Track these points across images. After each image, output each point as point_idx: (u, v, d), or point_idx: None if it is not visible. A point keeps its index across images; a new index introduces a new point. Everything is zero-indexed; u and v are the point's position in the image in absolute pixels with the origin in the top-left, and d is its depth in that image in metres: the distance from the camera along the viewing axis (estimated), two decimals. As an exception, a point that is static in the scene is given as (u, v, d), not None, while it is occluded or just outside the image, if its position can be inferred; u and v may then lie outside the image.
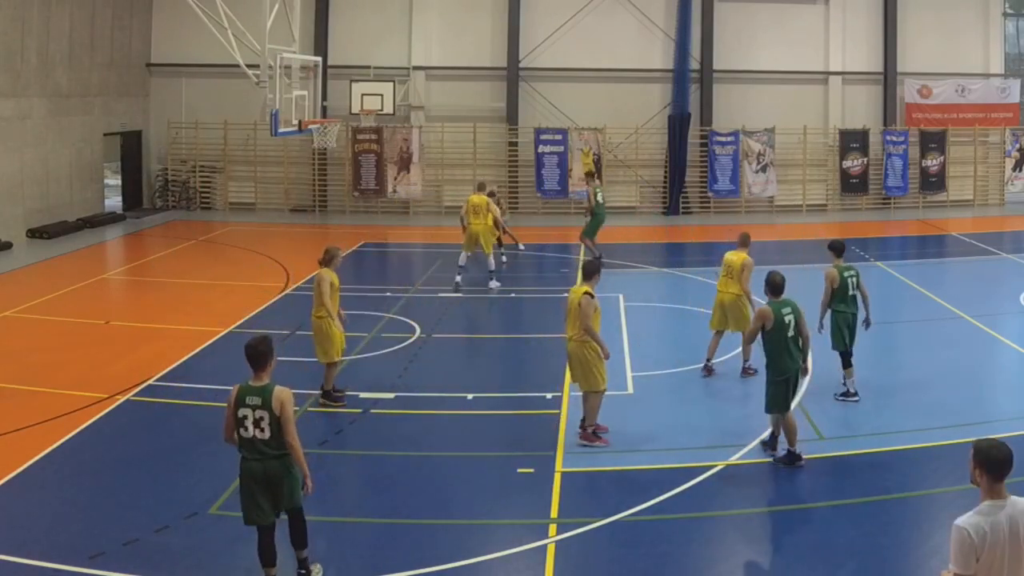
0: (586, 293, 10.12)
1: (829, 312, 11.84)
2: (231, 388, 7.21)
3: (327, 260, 11.62)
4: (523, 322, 16.81)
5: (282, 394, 7.04)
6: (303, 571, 7.44)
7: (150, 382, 12.50)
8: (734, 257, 12.82)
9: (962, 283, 19.99)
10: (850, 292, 11.74)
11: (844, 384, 11.77)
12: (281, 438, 7.06)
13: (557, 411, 11.41)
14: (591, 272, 10.40)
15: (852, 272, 11.86)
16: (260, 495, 7.14)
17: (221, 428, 7.27)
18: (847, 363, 11.75)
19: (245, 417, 7.00)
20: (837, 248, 12.08)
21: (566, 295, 10.69)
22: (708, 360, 12.80)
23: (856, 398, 11.68)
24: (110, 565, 7.67)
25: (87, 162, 26.53)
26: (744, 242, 13.04)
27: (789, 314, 9.70)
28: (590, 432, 10.28)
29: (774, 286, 9.88)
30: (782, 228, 27.57)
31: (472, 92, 29.81)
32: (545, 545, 8.15)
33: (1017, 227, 26.67)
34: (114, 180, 29.87)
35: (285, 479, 7.15)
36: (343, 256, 12.24)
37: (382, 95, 28.15)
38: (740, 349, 12.73)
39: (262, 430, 7.01)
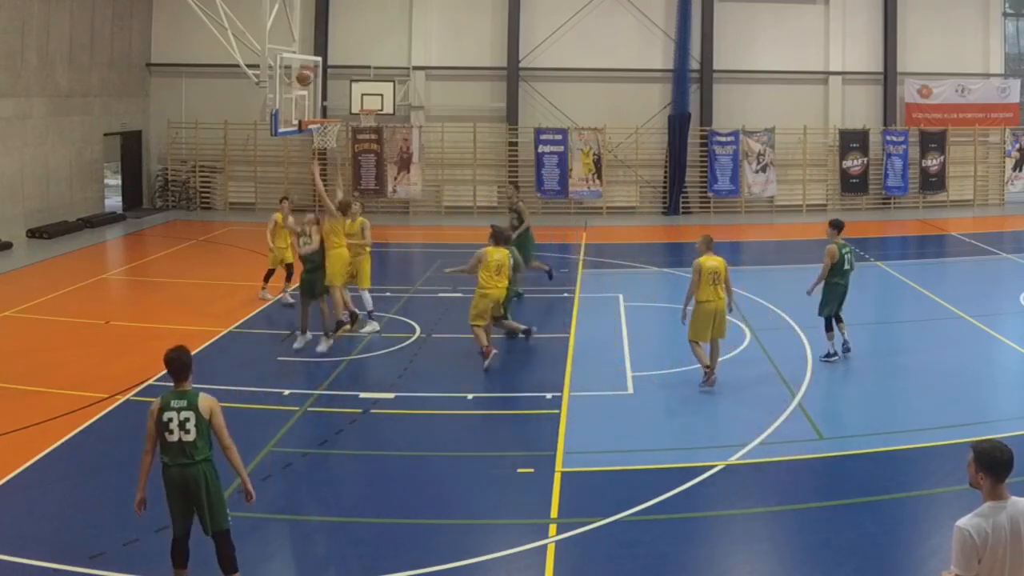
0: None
1: (823, 283, 13.31)
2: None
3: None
4: (523, 322, 16.78)
5: (208, 399, 7.08)
6: None
7: (150, 382, 12.48)
8: (717, 262, 12.23)
9: (962, 283, 19.98)
10: (845, 267, 13.26)
11: (830, 346, 13.33)
12: (207, 440, 7.01)
13: (557, 411, 11.41)
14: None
15: (849, 249, 13.49)
16: (175, 503, 7.09)
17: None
18: (830, 327, 13.30)
19: (170, 420, 6.96)
20: (838, 225, 13.61)
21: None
22: (710, 367, 12.16)
23: (835, 357, 13.26)
24: (110, 565, 7.68)
25: (87, 162, 26.53)
26: (711, 244, 12.74)
27: None
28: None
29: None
30: (782, 228, 27.58)
31: (472, 92, 29.81)
32: (545, 545, 8.15)
33: (1017, 227, 26.67)
34: (114, 180, 29.86)
35: (202, 489, 7.05)
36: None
37: (382, 95, 28.15)
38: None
39: (187, 432, 6.97)
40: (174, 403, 6.99)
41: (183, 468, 6.97)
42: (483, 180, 29.65)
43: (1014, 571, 4.82)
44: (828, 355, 13.30)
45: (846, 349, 13.45)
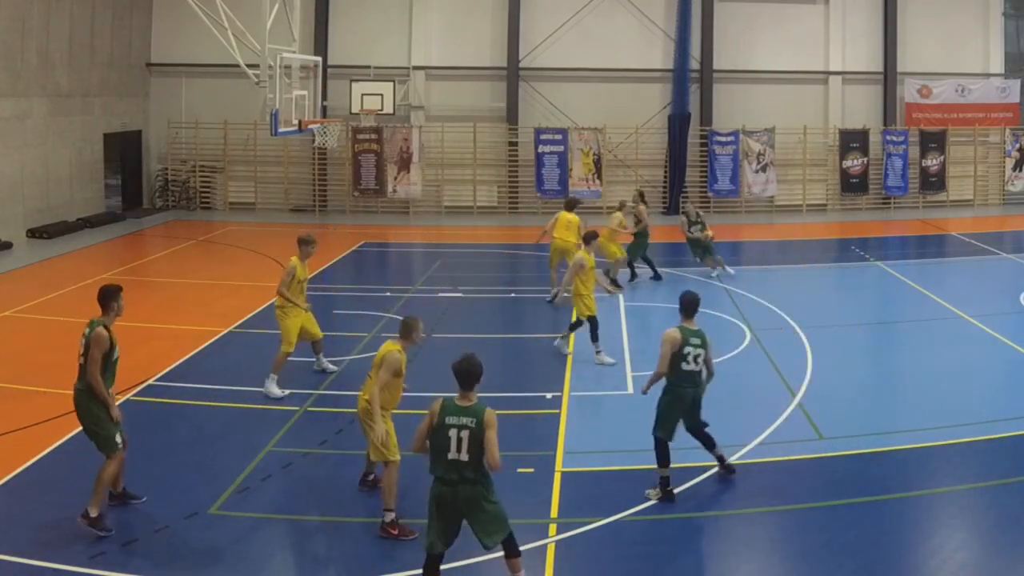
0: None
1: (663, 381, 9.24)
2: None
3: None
4: (523, 322, 16.81)
5: (98, 334, 8.38)
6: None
7: (150, 382, 12.50)
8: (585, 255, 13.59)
9: (962, 283, 19.97)
10: (687, 365, 9.01)
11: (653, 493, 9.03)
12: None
13: (557, 411, 11.42)
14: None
15: (701, 340, 9.08)
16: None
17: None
18: (663, 456, 9.01)
19: (81, 341, 8.37)
20: (686, 307, 9.24)
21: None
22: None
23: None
24: (110, 565, 7.68)
25: (87, 162, 26.53)
26: (589, 239, 13.99)
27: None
28: (390, 520, 8.39)
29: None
30: (782, 228, 27.59)
31: (472, 92, 29.81)
32: (545, 545, 8.16)
33: (1017, 227, 26.67)
34: (114, 180, 29.86)
35: (92, 422, 8.25)
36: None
37: (382, 95, 28.16)
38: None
39: (80, 356, 8.29)
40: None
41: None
42: (483, 180, 29.65)
43: None
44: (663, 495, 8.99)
45: (730, 469, 9.42)
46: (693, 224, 17.91)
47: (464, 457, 6.90)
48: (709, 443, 9.38)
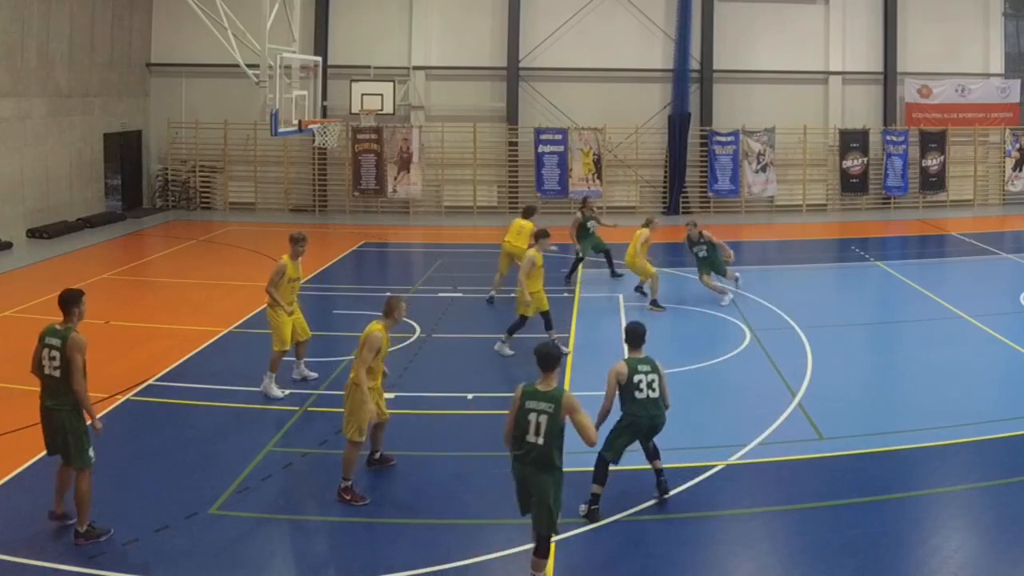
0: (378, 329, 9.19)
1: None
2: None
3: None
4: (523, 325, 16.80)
5: (77, 338, 7.96)
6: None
7: (150, 382, 12.51)
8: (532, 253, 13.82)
9: (962, 283, 19.98)
10: (639, 393, 8.78)
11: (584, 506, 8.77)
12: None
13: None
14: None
15: (650, 367, 8.88)
16: (46, 434, 8.01)
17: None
18: (601, 475, 8.74)
19: (45, 353, 8.03)
20: (632, 338, 9.14)
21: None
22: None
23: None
24: (110, 565, 7.68)
25: (87, 162, 26.53)
26: (539, 237, 14.17)
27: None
28: (345, 486, 9.06)
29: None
30: (782, 228, 27.59)
31: (472, 92, 29.81)
32: (545, 545, 8.15)
33: (1017, 227, 26.68)
34: (114, 180, 29.85)
35: (69, 433, 7.96)
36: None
37: (382, 95, 28.16)
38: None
39: (55, 368, 7.97)
40: (48, 339, 7.96)
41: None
42: (483, 180, 29.65)
43: None
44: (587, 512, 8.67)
45: (663, 490, 9.04)
46: (696, 245, 17.41)
47: (540, 441, 7.15)
48: (653, 452, 9.08)
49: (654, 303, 16.70)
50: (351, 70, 28.60)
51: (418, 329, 15.12)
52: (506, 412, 7.46)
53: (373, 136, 28.90)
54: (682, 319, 16.50)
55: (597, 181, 29.39)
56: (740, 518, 8.80)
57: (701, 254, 17.29)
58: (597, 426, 8.18)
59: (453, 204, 29.65)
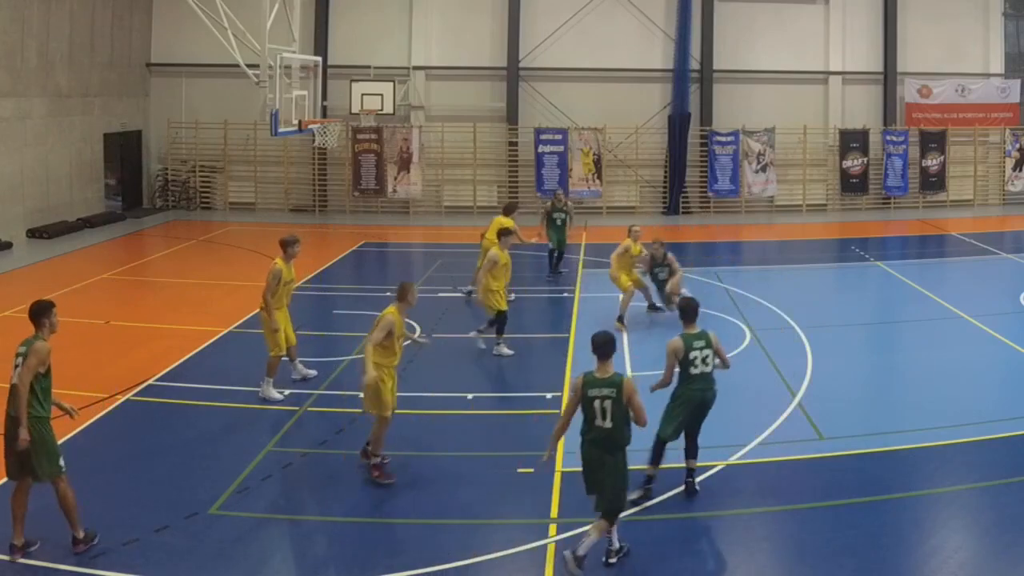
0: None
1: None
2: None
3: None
4: (523, 322, 16.79)
5: (38, 344, 7.87)
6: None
7: (150, 382, 12.51)
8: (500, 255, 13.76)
9: (962, 283, 19.98)
10: (694, 369, 9.06)
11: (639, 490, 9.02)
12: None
13: (557, 411, 11.40)
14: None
15: (705, 342, 9.12)
16: (8, 449, 7.70)
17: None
18: (658, 455, 9.12)
19: (13, 363, 7.82)
20: (687, 313, 9.33)
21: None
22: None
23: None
24: (110, 565, 7.68)
25: (87, 162, 26.53)
26: (502, 235, 14.17)
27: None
28: (375, 463, 9.55)
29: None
30: (782, 228, 27.59)
31: (472, 92, 29.81)
32: (545, 545, 8.17)
33: (1017, 227, 26.68)
34: (114, 180, 29.85)
35: (33, 445, 7.63)
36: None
37: (382, 95, 28.16)
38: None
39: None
40: (21, 348, 7.81)
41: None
42: (483, 180, 29.65)
43: None
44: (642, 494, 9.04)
45: (690, 491, 9.16)
46: (659, 267, 16.35)
47: (608, 424, 7.60)
48: (692, 450, 9.25)
49: (619, 319, 15.29)
50: (351, 70, 28.60)
51: (418, 329, 15.10)
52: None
53: (373, 136, 28.90)
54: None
55: (597, 181, 29.39)
56: (740, 518, 8.80)
57: (662, 276, 15.78)
58: (654, 389, 8.98)
59: (453, 204, 29.65)
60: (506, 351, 13.96)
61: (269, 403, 11.71)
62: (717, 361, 9.27)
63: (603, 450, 7.64)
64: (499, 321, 14.04)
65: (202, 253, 23.01)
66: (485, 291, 13.90)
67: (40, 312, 8.18)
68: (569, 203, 20.63)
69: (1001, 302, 17.32)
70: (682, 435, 9.19)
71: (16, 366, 7.81)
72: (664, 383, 9.18)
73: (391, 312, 9.56)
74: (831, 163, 30.34)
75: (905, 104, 30.58)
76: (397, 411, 9.79)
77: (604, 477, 7.67)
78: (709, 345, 9.13)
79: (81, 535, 7.91)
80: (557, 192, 21.35)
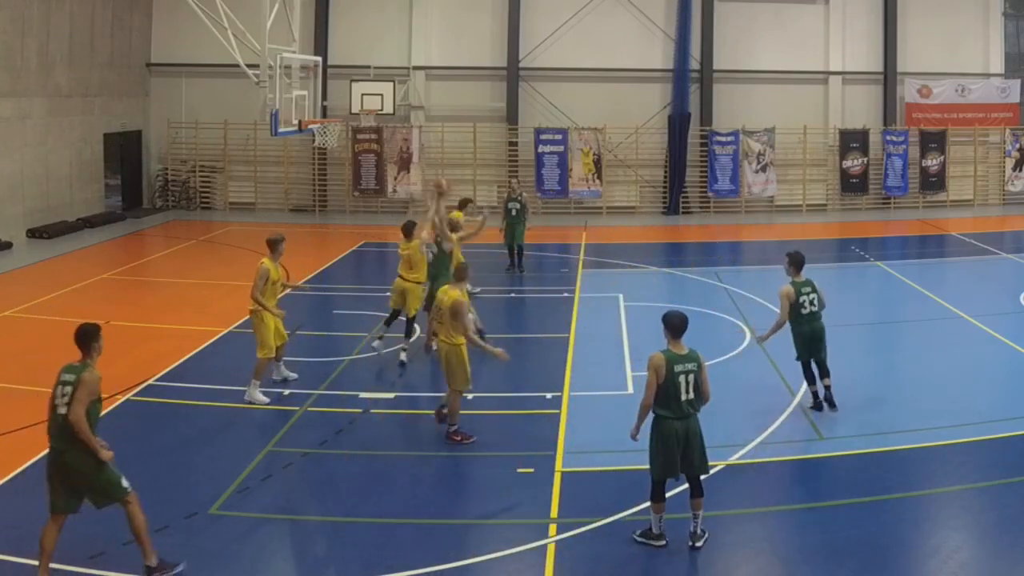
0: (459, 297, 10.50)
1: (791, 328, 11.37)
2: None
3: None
4: (523, 322, 16.81)
5: (87, 375, 7.34)
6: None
7: (150, 382, 12.51)
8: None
9: (962, 283, 19.98)
10: (804, 311, 11.32)
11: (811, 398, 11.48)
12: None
13: (557, 411, 11.42)
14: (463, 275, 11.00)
15: (811, 288, 11.40)
16: (58, 482, 7.34)
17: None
18: (810, 377, 11.47)
19: (58, 391, 7.37)
20: (796, 262, 11.51)
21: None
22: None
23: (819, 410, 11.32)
24: (110, 565, 7.68)
25: (87, 162, 26.53)
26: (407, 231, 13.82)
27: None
28: (452, 431, 10.53)
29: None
30: (782, 228, 27.58)
31: (472, 92, 29.82)
32: (545, 545, 8.16)
33: (1017, 227, 26.68)
34: (114, 180, 29.87)
35: (89, 474, 7.36)
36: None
37: (382, 95, 28.16)
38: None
39: (66, 405, 7.27)
40: (64, 375, 7.44)
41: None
42: (483, 180, 29.64)
43: None
44: (813, 405, 11.48)
45: (830, 404, 11.38)
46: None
47: (691, 395, 8.05)
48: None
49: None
50: (351, 70, 28.60)
51: (418, 329, 15.11)
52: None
53: (373, 136, 28.90)
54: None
55: (597, 181, 29.40)
56: (740, 518, 8.80)
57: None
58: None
59: (453, 204, 29.55)
60: (384, 349, 13.69)
61: (256, 404, 11.62)
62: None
63: (688, 421, 8.02)
64: (391, 318, 13.94)
65: (202, 253, 23.02)
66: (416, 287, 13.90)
67: (88, 336, 7.62)
68: (524, 194, 20.38)
69: (1001, 302, 17.32)
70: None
71: (64, 395, 7.34)
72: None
73: (458, 295, 10.44)
74: (831, 163, 30.34)
75: (905, 104, 30.58)
76: (398, 411, 9.79)
77: (693, 449, 8.02)
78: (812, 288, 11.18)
79: (155, 563, 7.46)
80: (511, 181, 21.27)
